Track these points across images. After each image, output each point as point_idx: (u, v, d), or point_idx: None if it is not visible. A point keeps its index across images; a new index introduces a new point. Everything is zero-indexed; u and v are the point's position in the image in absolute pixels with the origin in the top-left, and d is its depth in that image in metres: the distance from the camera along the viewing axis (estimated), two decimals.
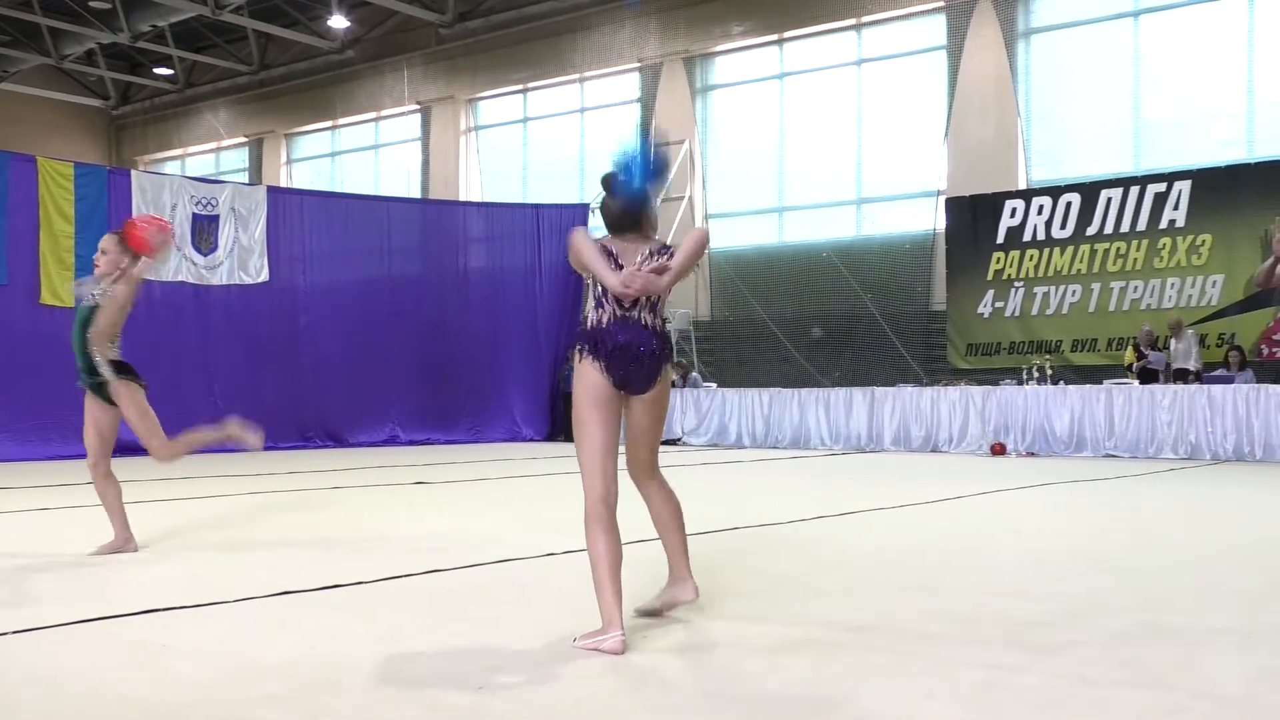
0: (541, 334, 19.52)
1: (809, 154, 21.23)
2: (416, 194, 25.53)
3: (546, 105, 24.68)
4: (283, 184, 27.47)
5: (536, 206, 20.46)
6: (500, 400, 19.04)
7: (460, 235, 19.49)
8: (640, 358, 3.98)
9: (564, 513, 8.05)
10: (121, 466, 6.46)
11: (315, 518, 7.71)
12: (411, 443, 17.91)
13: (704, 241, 4.16)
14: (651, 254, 4.08)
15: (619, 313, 4.01)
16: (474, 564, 5.39)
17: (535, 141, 24.90)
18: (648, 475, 4.19)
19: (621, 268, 3.99)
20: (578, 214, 20.45)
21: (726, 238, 21.96)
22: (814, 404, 16.61)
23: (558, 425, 19.31)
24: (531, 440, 18.93)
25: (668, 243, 4.18)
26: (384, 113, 27.12)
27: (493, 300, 19.21)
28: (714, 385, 18.84)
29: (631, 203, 4.04)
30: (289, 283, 17.45)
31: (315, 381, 17.37)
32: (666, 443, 17.59)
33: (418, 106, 26.28)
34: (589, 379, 3.95)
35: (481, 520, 7.60)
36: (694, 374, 19.26)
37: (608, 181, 4.15)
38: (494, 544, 6.14)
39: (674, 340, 20.43)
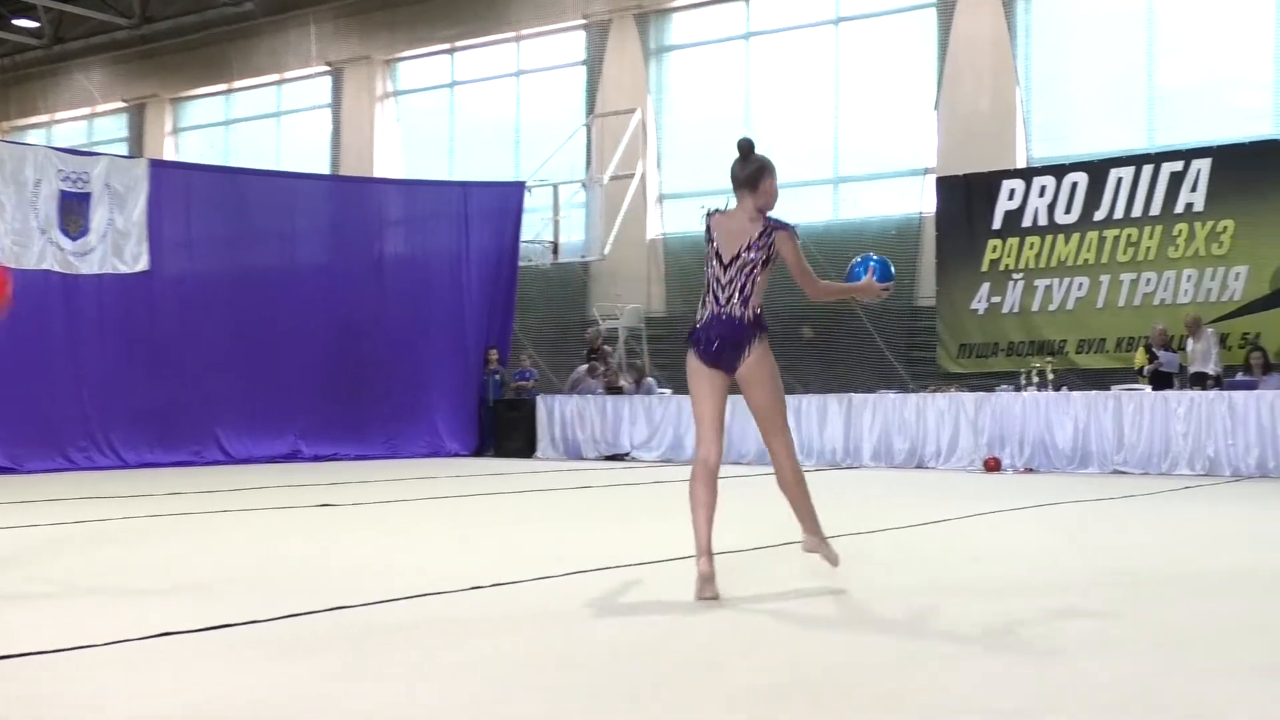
0: (470, 332, 19.48)
1: (778, 126, 21.31)
2: (325, 169, 25.37)
3: (477, 68, 24.63)
4: (167, 157, 27.20)
5: (465, 184, 20.43)
6: (421, 409, 18.97)
7: (376, 217, 19.41)
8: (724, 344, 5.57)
9: (495, 540, 8.05)
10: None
11: (201, 545, 7.64)
12: (317, 458, 17.80)
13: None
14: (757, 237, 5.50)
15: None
16: (389, 599, 5.37)
17: (464, 109, 24.84)
18: (768, 440, 5.71)
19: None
20: (512, 193, 20.44)
21: (683, 222, 22.00)
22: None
23: (487, 438, 19.27)
24: (457, 455, 18.88)
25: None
26: (288, 75, 26.94)
27: (413, 293, 19.15)
28: (669, 392, 18.87)
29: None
30: (173, 272, 17.28)
31: (204, 387, 17.21)
32: (612, 457, 17.63)
33: (327, 68, 26.14)
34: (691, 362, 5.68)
35: (398, 549, 7.57)
36: (648, 379, 19.29)
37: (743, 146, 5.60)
38: (413, 576, 6.12)
39: (622, 341, 20.49)
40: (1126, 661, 4.14)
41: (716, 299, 5.56)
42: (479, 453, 19.16)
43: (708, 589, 5.30)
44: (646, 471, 15.36)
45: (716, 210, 5.70)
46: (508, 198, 20.31)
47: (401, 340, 18.85)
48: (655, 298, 22.04)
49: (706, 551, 5.39)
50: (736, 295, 5.52)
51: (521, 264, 20.62)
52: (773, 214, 5.57)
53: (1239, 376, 15.25)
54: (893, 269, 5.86)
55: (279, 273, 18.20)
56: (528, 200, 20.68)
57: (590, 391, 18.90)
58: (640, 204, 21.97)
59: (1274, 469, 13.64)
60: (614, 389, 18.91)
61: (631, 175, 21.68)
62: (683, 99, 22.40)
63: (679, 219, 22.19)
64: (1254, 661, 4.17)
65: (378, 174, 24.60)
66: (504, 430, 19.18)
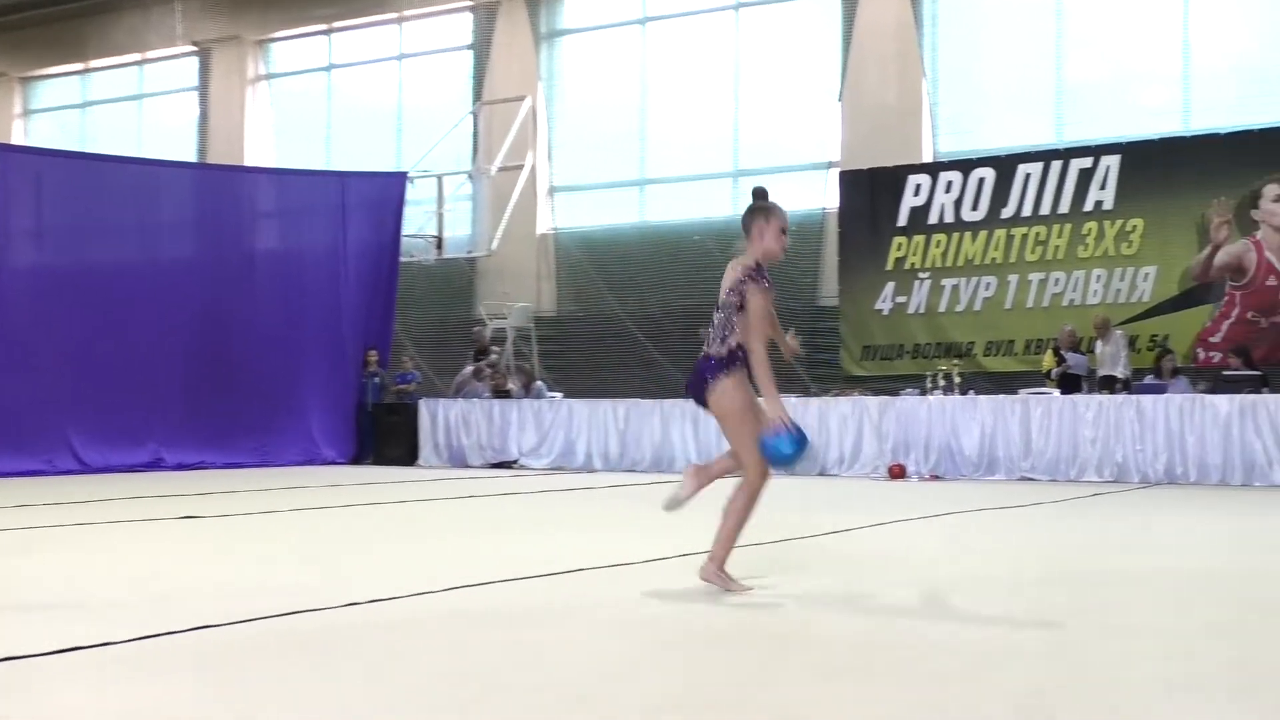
0: (347, 332, 19.30)
1: (677, 116, 21.42)
2: (191, 156, 25.00)
3: (357, 50, 24.41)
4: (16, 140, 26.56)
5: (343, 175, 20.24)
6: (295, 414, 18.74)
7: (246, 209, 19.19)
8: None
9: (371, 554, 7.95)
10: None
11: (52, 562, 7.46)
12: (180, 467, 17.49)
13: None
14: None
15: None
16: (257, 617, 5.27)
17: (342, 95, 24.60)
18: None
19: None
20: (393, 185, 20.28)
21: (575, 216, 22.04)
22: (679, 418, 16.71)
23: (366, 445, 19.09)
24: (334, 463, 18.67)
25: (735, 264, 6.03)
26: (150, 55, 26.46)
27: (287, 290, 18.94)
28: (559, 395, 18.82)
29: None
30: (23, 264, 16.96)
31: (57, 390, 16.80)
32: (499, 465, 17.57)
33: (194, 48, 25.71)
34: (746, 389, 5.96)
35: (269, 563, 7.45)
36: (537, 382, 19.23)
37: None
38: (284, 593, 6.02)
39: (510, 341, 20.39)
40: (1027, 676, 4.19)
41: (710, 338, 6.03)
42: (357, 460, 18.96)
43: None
44: (535, 480, 15.30)
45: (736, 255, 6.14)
46: (389, 189, 20.14)
47: (273, 340, 18.60)
48: (545, 296, 21.99)
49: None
50: (718, 336, 5.97)
51: (403, 260, 20.46)
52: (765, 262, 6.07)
53: (1148, 380, 15.61)
54: (800, 449, 5.89)
55: (140, 267, 17.85)
56: (410, 192, 20.53)
57: (476, 395, 18.80)
58: (530, 197, 21.91)
59: (1182, 475, 13.97)
60: (501, 392, 18.82)
61: (521, 166, 21.63)
62: (575, 86, 22.39)
63: (571, 213, 22.18)
64: (1158, 674, 4.25)
65: (248, 162, 24.27)
66: (384, 436, 19.00)
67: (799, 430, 5.87)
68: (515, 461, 17.70)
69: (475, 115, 22.58)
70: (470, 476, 15.89)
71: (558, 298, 21.93)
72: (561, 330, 21.78)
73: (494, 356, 20.02)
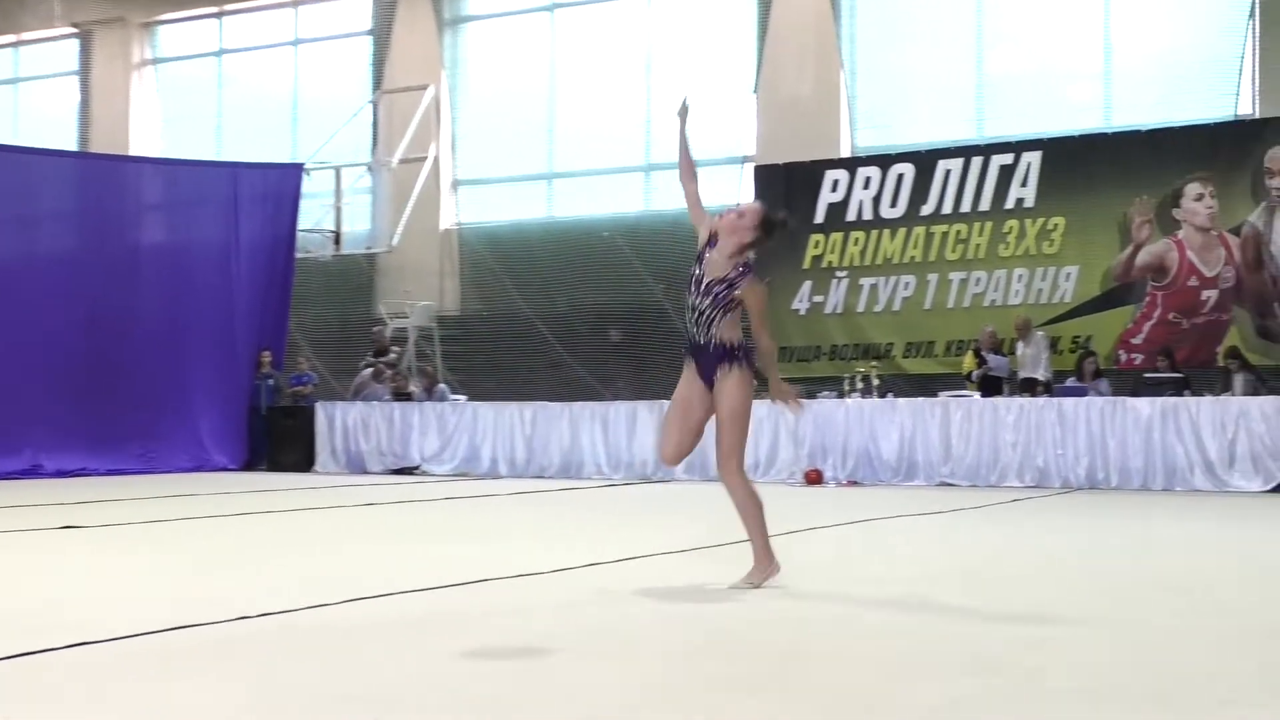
0: (239, 332, 19.10)
1: (586, 108, 21.41)
2: (72, 145, 24.57)
3: (250, 35, 24.11)
4: None
5: (235, 166, 20.02)
6: (183, 418, 18.52)
7: (131, 201, 18.97)
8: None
9: (261, 565, 7.86)
10: None
11: None
12: (60, 474, 17.19)
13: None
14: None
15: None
16: (139, 633, 5.19)
17: (234, 81, 24.31)
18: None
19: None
20: (288, 177, 20.09)
21: (480, 211, 21.97)
22: (589, 422, 16.71)
23: (259, 450, 18.89)
24: (225, 470, 18.47)
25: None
26: (26, 36, 25.97)
27: (174, 287, 18.72)
28: (463, 398, 18.74)
29: None
30: None
31: None
32: (400, 471, 17.46)
33: (74, 30, 25.27)
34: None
35: (153, 574, 7.34)
36: (440, 385, 19.14)
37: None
38: (167, 605, 5.95)
39: (412, 342, 20.27)
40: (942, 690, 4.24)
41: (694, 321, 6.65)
42: (250, 466, 18.76)
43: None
44: (437, 487, 15.22)
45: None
46: (284, 181, 19.93)
47: (160, 340, 18.35)
48: (449, 294, 21.89)
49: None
50: (705, 322, 6.62)
51: (299, 255, 20.29)
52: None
53: (1069, 382, 15.85)
54: None
55: (15, 262, 17.52)
56: (306, 184, 20.33)
57: (376, 398, 18.67)
58: (433, 190, 21.80)
59: (1103, 480, 14.20)
60: (402, 395, 18.71)
61: (423, 158, 21.52)
62: (480, 75, 22.30)
63: (476, 207, 22.09)
64: (1063, 686, 4.32)
65: (133, 152, 23.87)
66: (278, 441, 18.82)
67: None
68: (417, 467, 17.60)
69: (375, 105, 22.42)
70: (369, 483, 15.77)
71: (462, 296, 21.83)
72: (465, 330, 21.68)
73: (394, 357, 19.89)
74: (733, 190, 19.99)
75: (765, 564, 6.51)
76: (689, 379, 6.62)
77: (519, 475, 16.88)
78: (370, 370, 19.34)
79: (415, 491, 14.26)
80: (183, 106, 24.68)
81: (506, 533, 10.01)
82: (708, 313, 6.52)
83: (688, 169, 6.96)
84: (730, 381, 6.55)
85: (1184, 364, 16.07)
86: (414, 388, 19.02)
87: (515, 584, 6.71)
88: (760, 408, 15.85)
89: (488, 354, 21.30)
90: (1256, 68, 17.36)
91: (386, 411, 18.05)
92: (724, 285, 6.46)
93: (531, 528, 10.48)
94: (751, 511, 6.61)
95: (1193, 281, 16.98)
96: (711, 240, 6.61)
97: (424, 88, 21.79)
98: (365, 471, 17.77)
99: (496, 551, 8.36)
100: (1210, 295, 16.87)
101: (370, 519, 11.26)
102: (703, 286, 6.50)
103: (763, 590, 6.46)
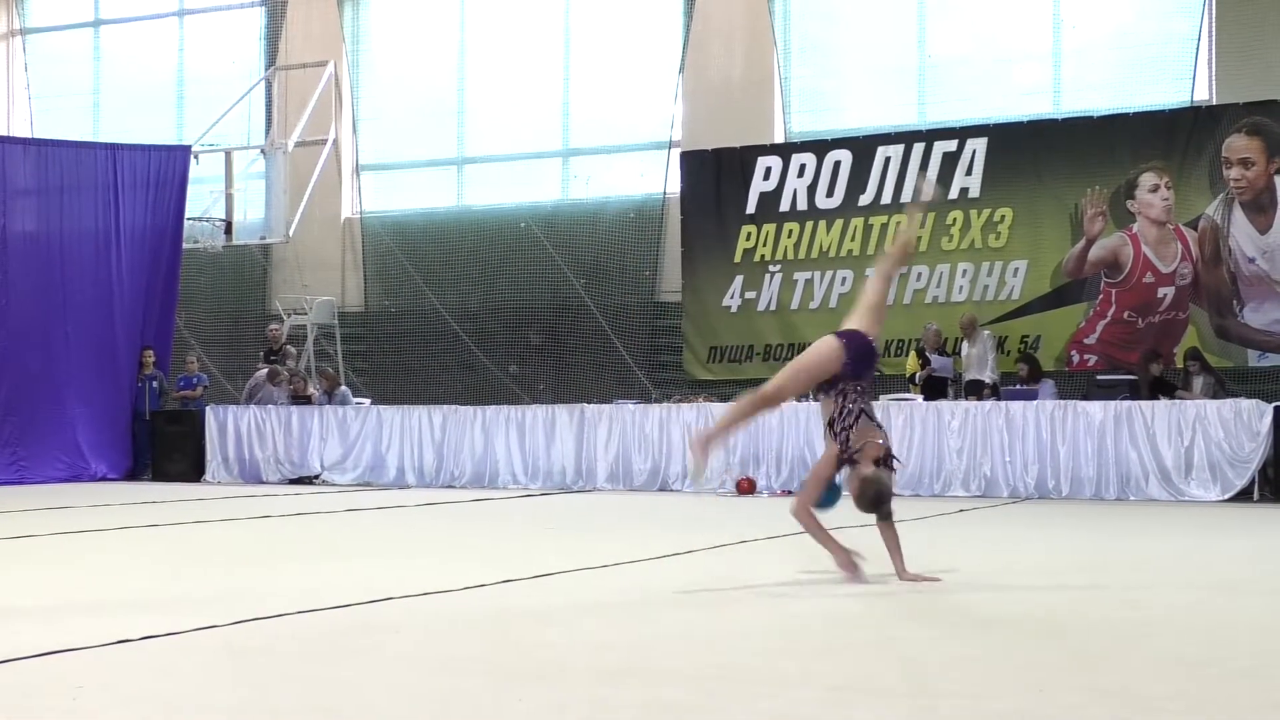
0: (120, 329, 18.95)
1: (500, 88, 21.31)
2: None
3: (130, 4, 23.78)
4: None
5: (114, 148, 19.80)
6: (57, 424, 18.33)
7: None
8: None
9: (150, 580, 7.73)
10: None
11: None
12: None
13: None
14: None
15: None
16: (11, 658, 5.10)
17: (113, 56, 23.98)
18: None
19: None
20: (174, 160, 19.92)
21: (386, 198, 21.82)
22: (504, 427, 16.65)
23: (143, 458, 18.68)
24: (105, 479, 18.28)
25: None
26: None
27: (46, 280, 18.57)
28: (367, 401, 18.62)
29: None
30: None
31: None
32: (298, 480, 17.32)
33: None
34: None
35: (24, 595, 7.19)
36: (342, 387, 18.99)
37: None
38: (41, 627, 5.84)
39: (311, 340, 20.13)
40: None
41: None
42: (133, 476, 18.61)
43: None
44: (339, 498, 15.10)
45: None
46: (169, 165, 19.72)
47: (30, 338, 18.19)
48: (351, 289, 21.74)
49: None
50: None
51: (186, 246, 20.10)
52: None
53: (1018, 385, 15.97)
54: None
55: None
56: (194, 169, 20.13)
57: (272, 401, 18.52)
58: (333, 176, 21.64)
59: (1054, 489, 14.33)
60: (301, 398, 18.56)
61: (322, 141, 21.37)
62: (385, 52, 22.14)
63: (381, 195, 21.93)
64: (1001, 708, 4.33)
65: (1, 131, 23.48)
66: (164, 448, 18.63)
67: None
68: (317, 477, 17.48)
69: (269, 82, 22.21)
70: (264, 494, 15.63)
71: (365, 291, 21.67)
72: (370, 328, 21.54)
73: (292, 358, 19.72)
74: (658, 179, 20.00)
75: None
76: None
77: (428, 485, 16.78)
78: (265, 371, 19.17)
79: (315, 503, 14.14)
80: (56, 82, 24.28)
81: (412, 548, 9.93)
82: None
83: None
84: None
85: (1138, 366, 16.24)
86: (313, 390, 18.86)
87: (418, 603, 6.65)
88: (689, 412, 15.95)
89: (394, 354, 21.19)
90: (1213, 51, 17.56)
91: (283, 416, 17.89)
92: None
93: (442, 541, 10.40)
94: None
95: (1148, 278, 17.18)
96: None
97: (323, 65, 21.60)
98: (260, 481, 17.61)
99: (399, 568, 8.29)
100: (1167, 293, 17.09)
101: (265, 533, 11.14)
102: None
103: (690, 606, 6.43)
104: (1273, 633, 5.91)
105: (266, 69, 22.31)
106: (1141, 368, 16.02)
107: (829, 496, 7.59)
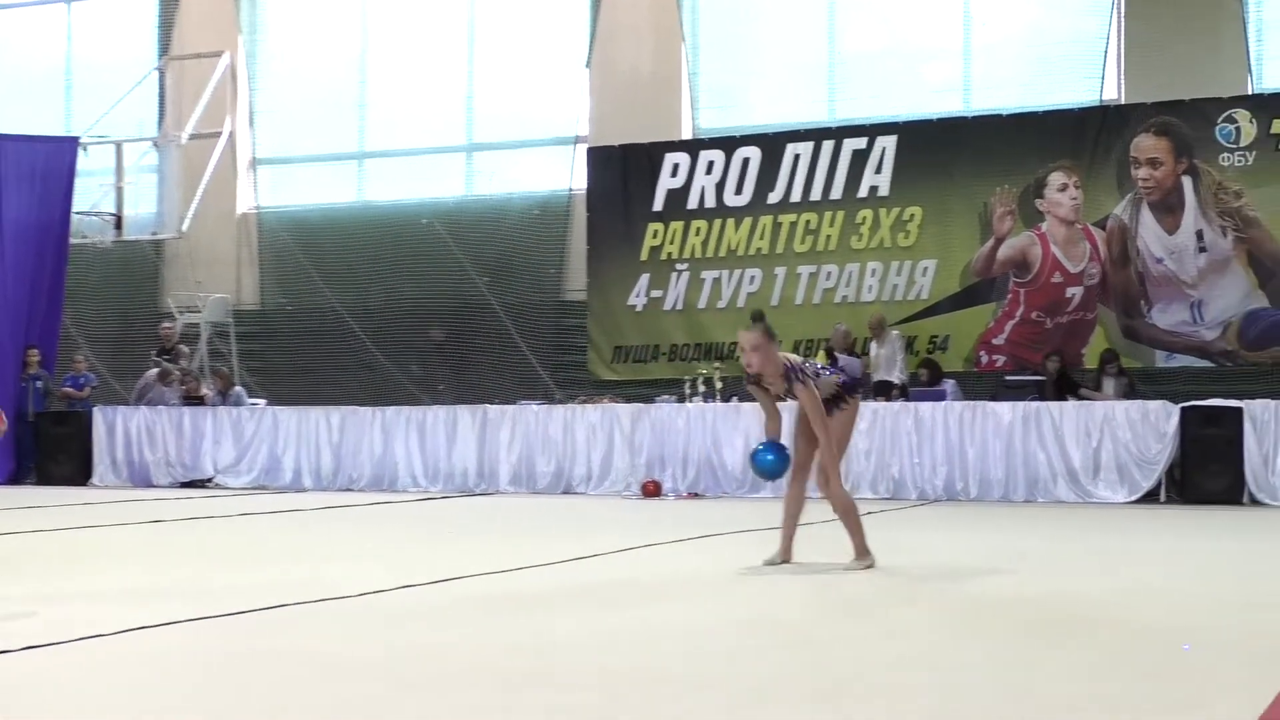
0: (3, 327, 18.70)
1: (403, 81, 21.20)
2: None
3: None
4: None
5: None
6: None
7: None
8: None
9: (34, 584, 7.60)
10: None
11: None
12: None
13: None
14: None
15: None
16: None
17: None
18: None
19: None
20: (62, 152, 19.69)
21: (283, 193, 21.65)
22: (404, 428, 16.57)
23: (26, 461, 18.41)
24: None
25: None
26: None
27: None
28: (262, 402, 18.45)
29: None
30: None
31: None
32: (191, 484, 17.14)
33: None
34: None
35: None
36: (236, 387, 18.82)
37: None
38: None
39: (204, 339, 19.91)
40: None
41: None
42: (17, 479, 18.32)
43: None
44: (233, 501, 14.94)
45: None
46: (55, 157, 19.47)
47: None
48: (247, 286, 21.53)
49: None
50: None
51: (74, 241, 19.88)
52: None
53: (941, 385, 16.10)
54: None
55: None
56: (82, 161, 19.89)
57: (163, 402, 18.31)
58: (229, 170, 21.42)
59: (962, 491, 14.47)
60: (193, 399, 18.36)
61: (217, 134, 21.13)
62: (283, 42, 21.96)
63: (278, 190, 21.74)
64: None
65: None
66: (49, 451, 18.36)
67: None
68: (210, 480, 17.31)
69: (161, 72, 21.93)
70: (155, 498, 15.44)
71: (261, 288, 21.48)
72: (266, 326, 21.34)
73: (184, 357, 19.48)
74: (564, 175, 19.98)
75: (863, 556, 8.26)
76: None
77: (325, 488, 16.67)
78: (156, 371, 18.96)
79: (207, 507, 13.98)
80: None
81: (308, 553, 9.84)
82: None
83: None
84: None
85: (1041, 365, 16.43)
86: (207, 390, 18.66)
87: (315, 609, 6.59)
88: (593, 413, 15.94)
89: (291, 353, 21.02)
90: (1122, 50, 17.84)
91: (175, 417, 17.68)
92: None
93: (337, 546, 10.32)
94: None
95: (1057, 278, 17.40)
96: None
97: (218, 54, 21.36)
98: (151, 485, 17.39)
99: (295, 573, 8.21)
100: (1075, 293, 17.32)
101: (154, 538, 10.99)
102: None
103: (592, 612, 6.41)
104: (1179, 634, 5.99)
105: (160, 58, 22.03)
106: (1042, 366, 16.23)
107: (770, 459, 8.29)
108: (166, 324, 20.10)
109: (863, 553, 8.19)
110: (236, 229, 21.75)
